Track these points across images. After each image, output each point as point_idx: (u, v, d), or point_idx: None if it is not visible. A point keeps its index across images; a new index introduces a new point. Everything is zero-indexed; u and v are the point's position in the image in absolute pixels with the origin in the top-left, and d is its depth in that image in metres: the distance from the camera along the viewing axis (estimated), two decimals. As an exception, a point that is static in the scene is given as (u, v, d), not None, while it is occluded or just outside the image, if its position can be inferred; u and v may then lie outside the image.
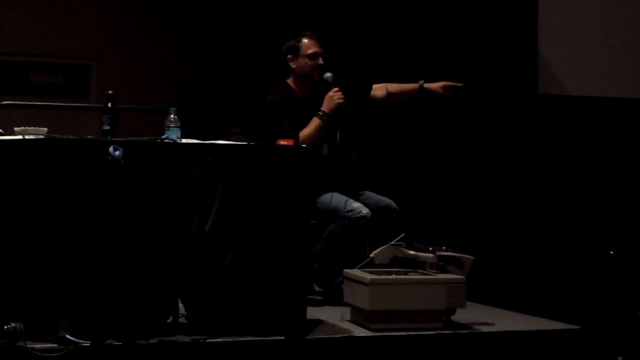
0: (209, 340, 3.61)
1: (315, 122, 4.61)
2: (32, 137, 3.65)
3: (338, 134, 4.76)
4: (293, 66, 4.76)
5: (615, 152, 6.49)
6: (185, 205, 3.71)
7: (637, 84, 6.73)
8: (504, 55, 6.43)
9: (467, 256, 4.21)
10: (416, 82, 4.85)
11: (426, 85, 4.82)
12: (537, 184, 6.34)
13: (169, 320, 3.80)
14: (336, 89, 4.65)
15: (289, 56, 4.75)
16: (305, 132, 4.59)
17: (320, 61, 4.72)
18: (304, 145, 4.15)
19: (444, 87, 4.79)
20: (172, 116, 3.87)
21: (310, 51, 4.72)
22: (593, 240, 5.93)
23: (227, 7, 7.50)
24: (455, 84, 4.79)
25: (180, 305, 3.85)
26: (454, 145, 6.40)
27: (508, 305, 4.70)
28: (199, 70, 7.41)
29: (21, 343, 3.41)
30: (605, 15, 6.75)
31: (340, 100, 4.63)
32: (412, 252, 4.29)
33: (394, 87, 4.88)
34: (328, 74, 4.70)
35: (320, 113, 4.62)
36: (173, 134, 3.84)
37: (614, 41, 6.73)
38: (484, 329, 4.12)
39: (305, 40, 4.73)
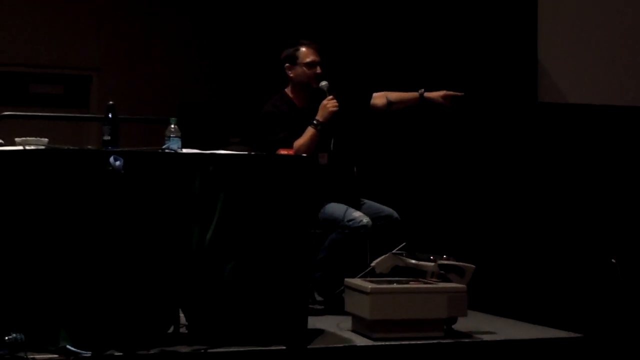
0: (210, 351, 3.60)
1: (309, 132, 4.60)
2: (32, 147, 3.66)
3: (332, 141, 4.75)
4: (291, 75, 4.75)
5: (616, 160, 6.49)
6: (186, 215, 3.71)
7: (637, 92, 6.73)
8: (503, 64, 6.43)
9: (468, 265, 4.21)
10: (416, 90, 4.85)
11: (426, 94, 4.82)
12: (537, 192, 6.33)
13: (169, 331, 3.80)
14: (330, 97, 4.64)
15: (287, 65, 4.74)
16: (299, 142, 4.57)
17: (318, 70, 4.71)
18: (305, 155, 4.16)
19: (444, 96, 4.79)
20: (172, 126, 3.88)
21: (307, 60, 4.71)
22: (594, 248, 5.92)
23: (227, 17, 7.52)
24: (455, 93, 4.79)
25: (181, 315, 3.85)
26: (455, 154, 6.40)
27: (510, 314, 4.69)
28: (199, 80, 7.43)
29: (22, 354, 3.40)
30: (606, 23, 6.76)
31: (334, 108, 4.61)
32: (413, 261, 4.29)
33: (394, 95, 4.88)
34: (323, 82, 4.69)
35: (314, 122, 4.60)
36: (173, 144, 3.84)
37: (614, 49, 6.73)
38: (486, 337, 4.11)
39: (303, 49, 4.73)
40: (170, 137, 3.86)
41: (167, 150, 3.82)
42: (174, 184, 3.70)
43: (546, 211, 6.28)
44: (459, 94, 4.79)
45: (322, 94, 4.67)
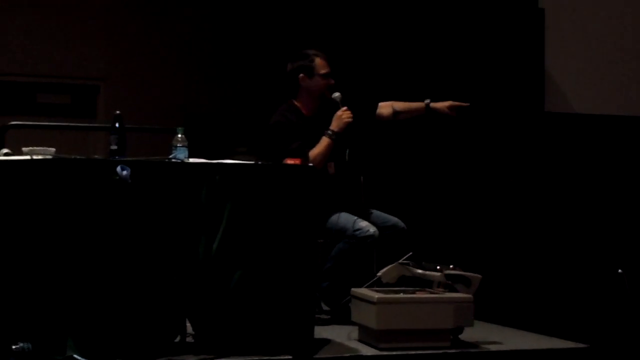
0: (216, 360, 3.61)
1: (325, 141, 4.62)
2: (40, 157, 3.67)
3: (347, 152, 4.78)
4: (306, 85, 4.75)
5: (623, 170, 6.48)
6: (193, 225, 3.71)
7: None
8: (510, 74, 6.43)
9: (474, 274, 4.20)
10: (422, 101, 4.85)
11: (432, 104, 4.82)
12: (544, 202, 6.33)
13: (176, 340, 3.80)
14: (345, 108, 4.67)
15: (302, 75, 4.74)
16: (315, 152, 4.59)
17: (332, 80, 4.75)
18: (312, 165, 4.17)
19: (450, 107, 4.80)
20: (179, 136, 3.89)
21: (324, 71, 4.74)
22: (601, 258, 5.91)
23: (234, 28, 7.54)
24: (461, 103, 4.80)
25: (188, 324, 3.85)
26: (462, 164, 6.40)
27: (516, 324, 4.68)
28: (206, 90, 7.45)
29: (29, 363, 3.42)
30: (613, 33, 6.76)
31: (350, 119, 4.65)
32: (419, 271, 4.27)
33: (400, 105, 4.89)
34: (337, 94, 4.72)
35: (329, 132, 4.63)
36: (180, 154, 3.85)
37: (622, 59, 6.73)
38: (492, 347, 4.10)
39: (319, 60, 4.74)
40: (177, 146, 3.87)
41: (173, 160, 3.83)
42: (181, 193, 3.71)
43: (553, 221, 6.27)
44: (464, 104, 4.80)
45: (330, 104, 4.69)
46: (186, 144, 3.88)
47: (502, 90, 6.40)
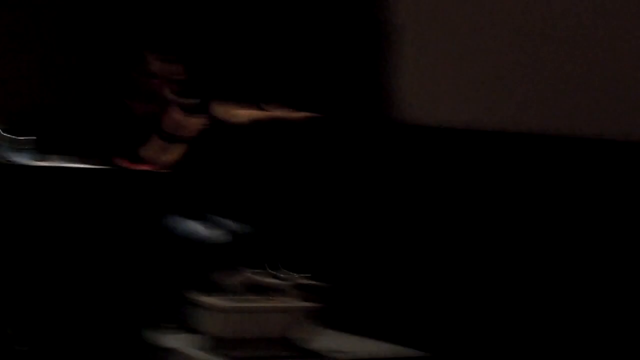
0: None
1: (157, 142, 4.58)
2: None
3: (186, 155, 4.69)
4: (142, 85, 4.70)
5: (469, 184, 6.63)
6: (26, 228, 3.62)
7: (501, 117, 6.90)
8: (362, 84, 6.50)
9: (322, 283, 4.21)
10: (268, 105, 4.89)
11: (277, 111, 4.87)
12: (391, 213, 6.41)
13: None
14: (179, 108, 4.65)
15: (135, 73, 4.70)
16: (147, 153, 4.55)
17: (169, 80, 4.69)
18: (149, 167, 4.15)
19: (302, 117, 4.86)
20: (4, 134, 3.76)
21: (159, 69, 4.69)
22: (445, 268, 6.03)
23: (73, 19, 7.33)
24: (312, 114, 4.86)
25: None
26: (311, 171, 6.42)
27: (363, 332, 4.71)
28: (42, 85, 7.19)
29: None
30: (473, 48, 6.92)
31: (184, 120, 4.63)
32: (267, 278, 4.25)
33: (241, 110, 4.90)
34: (175, 94, 4.66)
35: (164, 134, 4.59)
36: (8, 152, 3.73)
37: (478, 72, 6.89)
38: (339, 356, 4.09)
39: (155, 60, 4.70)
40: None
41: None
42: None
43: (398, 230, 6.36)
44: (316, 115, 4.87)
45: (165, 103, 4.64)
46: (15, 142, 3.77)
47: (353, 101, 6.46)
